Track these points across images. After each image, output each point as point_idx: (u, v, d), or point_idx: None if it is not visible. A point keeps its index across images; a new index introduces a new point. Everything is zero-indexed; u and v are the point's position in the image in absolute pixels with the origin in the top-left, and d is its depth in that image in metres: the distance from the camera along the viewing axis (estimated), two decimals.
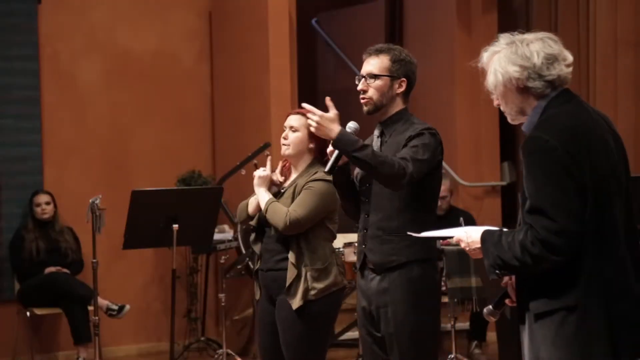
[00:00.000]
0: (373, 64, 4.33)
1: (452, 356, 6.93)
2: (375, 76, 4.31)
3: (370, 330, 4.35)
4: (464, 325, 8.05)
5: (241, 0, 8.71)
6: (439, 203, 7.81)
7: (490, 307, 3.47)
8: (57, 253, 7.94)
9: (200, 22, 8.96)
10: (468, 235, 3.32)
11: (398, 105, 4.34)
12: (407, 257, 4.24)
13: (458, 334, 7.20)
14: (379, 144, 4.35)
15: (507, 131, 9.35)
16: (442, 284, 7.11)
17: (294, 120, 4.83)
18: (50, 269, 7.81)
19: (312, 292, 4.66)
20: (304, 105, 4.29)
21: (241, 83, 8.66)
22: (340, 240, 6.93)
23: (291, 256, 4.69)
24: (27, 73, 8.28)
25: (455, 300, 6.81)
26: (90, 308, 7.30)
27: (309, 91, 10.37)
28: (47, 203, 7.98)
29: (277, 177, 4.91)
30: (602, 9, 8.40)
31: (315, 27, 10.74)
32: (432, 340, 4.36)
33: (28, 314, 7.78)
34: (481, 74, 3.38)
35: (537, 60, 3.24)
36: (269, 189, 4.85)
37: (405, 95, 4.36)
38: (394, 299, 4.24)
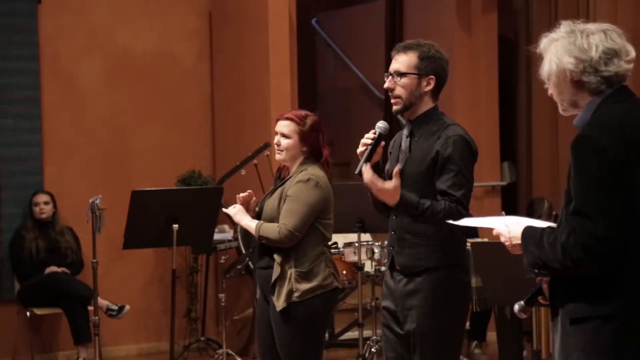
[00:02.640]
0: (401, 62, 4.23)
1: None
2: (402, 74, 4.21)
3: (394, 327, 4.29)
4: None
5: (241, 0, 8.71)
6: None
7: (522, 302, 3.35)
8: (57, 253, 7.94)
9: (200, 22, 8.96)
10: (509, 230, 3.21)
11: (427, 104, 4.25)
12: (435, 261, 4.19)
13: None
14: (408, 144, 4.27)
15: (507, 131, 9.36)
16: None
17: (283, 126, 4.83)
18: (51, 269, 7.81)
19: (296, 294, 4.66)
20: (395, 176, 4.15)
21: (241, 83, 8.65)
22: (340, 240, 6.94)
23: (277, 257, 4.71)
24: (27, 73, 8.28)
25: None
26: (90, 308, 7.30)
27: (309, 91, 10.38)
28: (46, 203, 7.98)
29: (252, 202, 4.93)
30: (602, 9, 8.41)
31: (315, 27, 10.75)
32: (456, 344, 4.32)
33: (28, 314, 7.78)
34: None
35: (594, 54, 3.10)
36: (251, 214, 4.89)
37: (435, 93, 4.26)
38: (419, 302, 4.19)
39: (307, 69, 10.06)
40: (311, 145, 4.80)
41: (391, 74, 4.25)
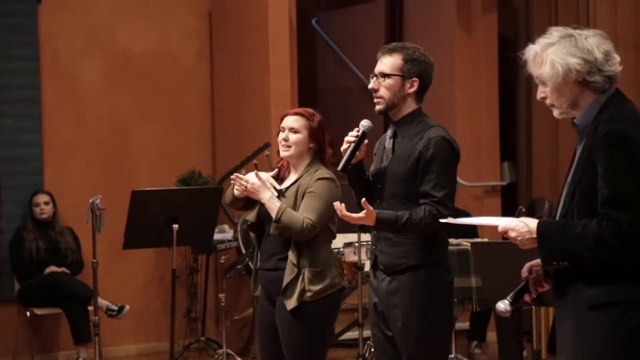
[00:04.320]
0: (385, 63, 4.30)
1: (452, 356, 6.92)
2: (386, 75, 4.28)
3: (382, 328, 4.33)
4: (464, 325, 8.05)
5: (241, 0, 8.71)
6: None
7: (507, 301, 3.34)
8: (57, 253, 7.93)
9: (200, 22, 8.96)
10: (525, 224, 3.23)
11: (411, 106, 4.32)
12: (416, 260, 4.22)
13: (458, 334, 7.19)
14: (391, 145, 4.32)
15: (507, 131, 9.36)
16: None
17: (293, 121, 4.78)
18: (51, 269, 7.81)
19: (308, 294, 4.63)
20: (364, 202, 4.14)
21: (241, 83, 8.65)
22: (340, 240, 6.94)
23: (292, 256, 4.65)
24: (27, 73, 8.28)
25: (455, 300, 6.79)
26: (90, 308, 7.30)
27: (309, 91, 10.38)
28: (46, 203, 7.98)
29: (272, 182, 4.79)
30: (602, 9, 8.41)
31: (315, 27, 10.74)
32: (442, 343, 4.32)
33: (28, 314, 7.78)
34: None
35: (598, 54, 3.22)
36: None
37: (419, 95, 4.33)
38: (403, 301, 4.22)
39: (307, 69, 10.06)
40: (318, 142, 4.77)
41: (376, 75, 4.32)
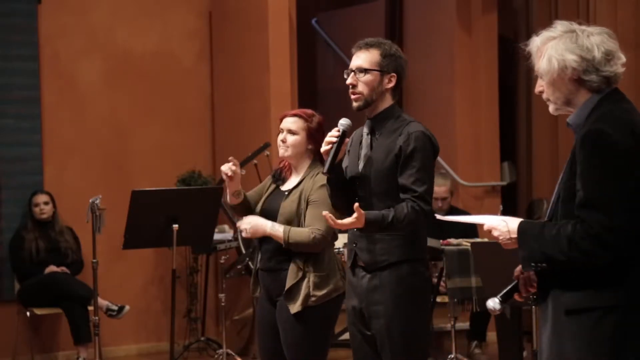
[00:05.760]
0: (363, 58, 4.26)
1: (452, 356, 6.93)
2: (365, 70, 4.24)
3: (360, 328, 4.31)
4: (464, 325, 8.05)
5: (241, 0, 8.71)
6: (440, 204, 7.82)
7: (497, 299, 3.32)
8: (57, 253, 7.94)
9: (200, 22, 8.96)
10: (507, 224, 3.21)
11: (387, 101, 4.28)
12: (398, 256, 4.21)
13: (458, 334, 7.19)
14: (369, 141, 4.30)
15: (507, 131, 9.36)
16: (442, 283, 7.12)
17: (291, 122, 4.78)
18: (51, 269, 7.81)
19: (312, 299, 4.64)
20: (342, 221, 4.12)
21: (241, 83, 8.65)
22: (340, 241, 6.93)
23: (298, 260, 4.66)
24: (27, 73, 8.28)
25: (455, 300, 6.80)
26: (90, 308, 7.30)
27: (309, 91, 10.38)
28: (46, 203, 7.98)
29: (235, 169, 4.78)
30: (602, 9, 8.41)
31: (315, 27, 10.74)
32: (424, 338, 4.32)
33: (28, 314, 7.78)
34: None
35: (597, 53, 3.16)
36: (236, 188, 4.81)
37: (394, 90, 4.30)
38: (384, 297, 4.21)
39: (307, 69, 10.06)
40: (316, 144, 4.74)
41: (353, 71, 4.27)
